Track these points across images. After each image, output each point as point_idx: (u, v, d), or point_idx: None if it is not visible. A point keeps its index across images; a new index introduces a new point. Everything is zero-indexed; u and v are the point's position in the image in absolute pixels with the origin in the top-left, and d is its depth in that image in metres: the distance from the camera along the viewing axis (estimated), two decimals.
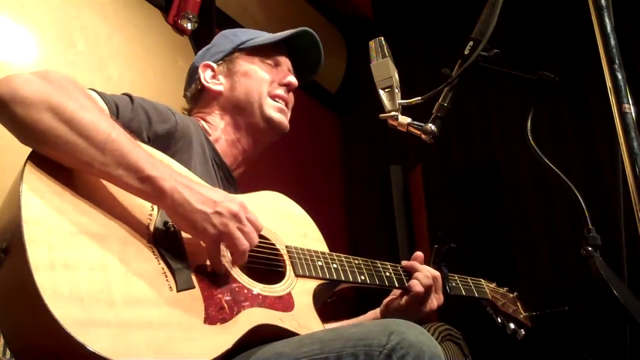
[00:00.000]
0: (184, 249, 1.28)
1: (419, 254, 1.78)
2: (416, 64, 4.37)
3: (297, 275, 1.46)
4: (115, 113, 1.38)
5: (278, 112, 1.74)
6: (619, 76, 1.13)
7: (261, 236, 1.37)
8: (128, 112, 1.42)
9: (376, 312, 1.78)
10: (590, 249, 1.20)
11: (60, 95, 1.19)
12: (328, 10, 4.73)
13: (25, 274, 1.04)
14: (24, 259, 1.05)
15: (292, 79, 1.78)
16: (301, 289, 1.44)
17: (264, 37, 1.82)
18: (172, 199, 1.23)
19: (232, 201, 1.29)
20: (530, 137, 1.36)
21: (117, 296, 1.11)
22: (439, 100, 1.43)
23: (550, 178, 3.64)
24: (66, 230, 1.13)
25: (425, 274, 1.70)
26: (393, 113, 1.40)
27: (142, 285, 1.16)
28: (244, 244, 1.28)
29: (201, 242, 1.29)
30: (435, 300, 1.71)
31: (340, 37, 4.92)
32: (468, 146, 4.46)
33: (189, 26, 3.29)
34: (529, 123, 1.38)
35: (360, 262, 1.63)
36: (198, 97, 1.80)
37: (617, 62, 1.13)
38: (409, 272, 1.73)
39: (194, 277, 1.25)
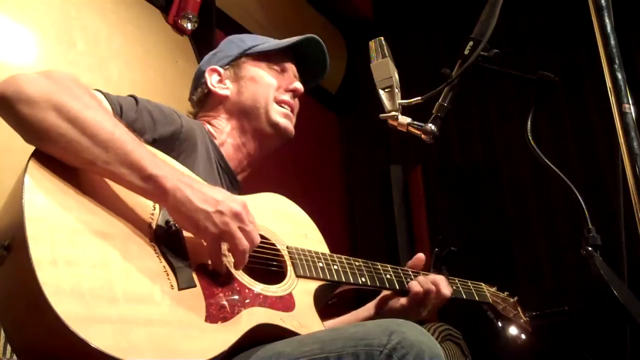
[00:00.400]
0: (185, 247, 1.29)
1: (420, 256, 1.79)
2: (416, 64, 4.37)
3: (298, 276, 1.47)
4: (119, 113, 1.39)
5: (284, 118, 1.75)
6: (619, 76, 1.13)
7: (262, 237, 1.37)
8: (132, 113, 1.43)
9: (369, 308, 1.78)
10: (590, 249, 1.20)
11: (65, 94, 1.20)
12: (328, 11, 4.73)
13: (28, 271, 1.04)
14: (27, 256, 1.05)
15: (299, 85, 1.79)
16: (302, 290, 1.45)
17: (270, 42, 1.83)
18: (174, 198, 1.23)
19: (234, 201, 1.29)
20: (530, 137, 1.36)
21: (118, 293, 1.12)
22: (439, 100, 1.43)
23: (550, 178, 3.64)
24: (68, 228, 1.14)
25: (425, 277, 1.72)
26: (393, 113, 1.40)
27: (144, 283, 1.16)
28: (245, 244, 1.29)
29: (202, 241, 1.29)
30: (433, 305, 1.72)
31: (341, 37, 4.92)
32: (468, 146, 4.47)
33: (189, 26, 3.29)
34: (529, 123, 1.38)
35: (361, 263, 1.63)
36: (204, 101, 1.80)
37: (617, 62, 1.13)
38: (410, 274, 1.73)
39: (195, 276, 1.25)
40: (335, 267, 1.55)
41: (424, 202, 3.89)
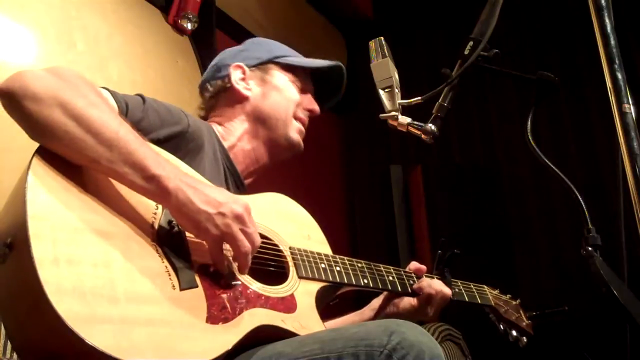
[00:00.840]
0: (187, 248, 1.29)
1: (423, 267, 1.79)
2: (416, 64, 4.37)
3: (300, 277, 1.46)
4: (125, 112, 1.38)
5: (298, 134, 1.77)
6: (619, 76, 1.12)
7: (265, 237, 1.37)
8: (139, 112, 1.42)
9: (374, 307, 1.78)
10: (590, 249, 1.20)
11: (71, 91, 1.20)
12: (328, 11, 4.73)
13: (29, 269, 1.04)
14: (28, 254, 1.05)
15: (317, 108, 1.81)
16: (304, 291, 1.44)
17: (298, 58, 1.83)
18: (176, 199, 1.23)
19: (236, 202, 1.29)
20: (530, 137, 1.36)
21: (120, 293, 1.11)
22: (439, 100, 1.43)
23: (550, 178, 3.64)
24: (71, 226, 1.14)
25: (429, 282, 1.72)
26: (393, 113, 1.40)
27: (145, 283, 1.16)
28: (246, 246, 1.28)
29: (204, 242, 1.29)
30: (431, 312, 1.73)
31: (341, 37, 4.92)
32: (468, 146, 4.47)
33: (189, 26, 3.29)
34: (529, 123, 1.38)
35: (364, 265, 1.63)
36: (220, 95, 1.79)
37: (617, 62, 1.13)
38: (412, 277, 1.73)
39: (197, 277, 1.25)
40: (338, 268, 1.55)
41: (424, 202, 3.88)
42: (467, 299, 1.84)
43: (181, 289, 1.21)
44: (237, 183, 1.69)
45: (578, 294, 3.29)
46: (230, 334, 1.22)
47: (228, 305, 1.26)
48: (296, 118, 1.77)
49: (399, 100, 1.41)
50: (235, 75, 1.77)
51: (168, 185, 1.23)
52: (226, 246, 1.29)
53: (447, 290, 1.74)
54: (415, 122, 1.41)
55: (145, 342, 1.09)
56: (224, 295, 1.27)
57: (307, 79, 1.83)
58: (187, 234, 1.30)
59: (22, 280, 1.08)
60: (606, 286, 1.12)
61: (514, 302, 1.98)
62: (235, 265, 1.32)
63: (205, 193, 1.26)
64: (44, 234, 1.09)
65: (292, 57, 1.82)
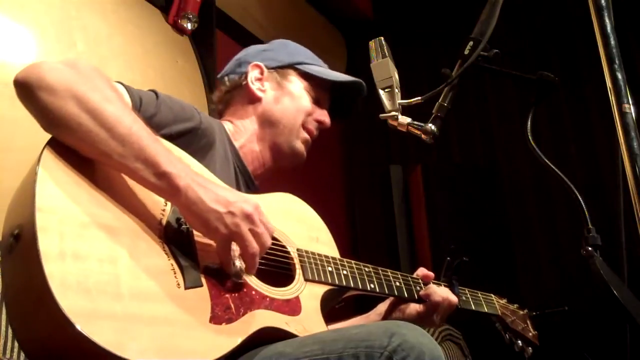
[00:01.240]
0: (194, 246, 1.28)
1: (430, 274, 1.78)
2: (416, 64, 4.37)
3: (306, 280, 1.45)
4: (138, 107, 1.39)
5: (303, 144, 1.76)
6: (619, 76, 1.12)
7: (272, 238, 1.37)
8: (152, 108, 1.42)
9: (380, 312, 1.77)
10: (590, 249, 1.20)
11: (86, 85, 1.20)
12: (328, 11, 4.73)
13: (35, 262, 1.04)
14: (35, 247, 1.05)
15: (327, 120, 1.79)
16: (309, 294, 1.44)
17: (319, 68, 1.81)
18: (186, 197, 1.23)
19: (246, 202, 1.28)
20: (530, 137, 1.36)
21: (124, 289, 1.11)
22: (439, 100, 1.43)
23: (550, 178, 3.65)
24: (78, 221, 1.13)
25: (436, 289, 1.72)
26: (393, 113, 1.40)
27: (150, 281, 1.16)
28: (255, 247, 1.28)
29: (212, 242, 1.29)
30: (437, 319, 1.73)
31: (340, 37, 4.92)
32: (468, 146, 4.46)
33: (189, 26, 3.29)
34: (529, 123, 1.38)
35: (371, 269, 1.62)
36: (235, 91, 1.78)
37: (617, 62, 1.13)
38: (420, 282, 1.73)
39: (202, 276, 1.25)
40: (345, 272, 1.54)
41: (424, 202, 3.88)
42: (473, 307, 1.83)
43: (186, 288, 1.20)
44: (248, 182, 1.68)
45: (578, 294, 3.29)
46: (234, 335, 1.21)
47: (232, 305, 1.25)
48: (304, 128, 1.75)
49: (399, 100, 1.41)
50: (252, 75, 1.76)
51: (179, 183, 1.22)
52: (234, 246, 1.29)
53: (454, 298, 1.74)
54: (415, 122, 1.41)
55: (148, 340, 1.09)
56: (229, 296, 1.27)
57: (324, 89, 1.81)
58: (195, 232, 1.29)
59: (28, 272, 1.07)
60: (606, 286, 1.12)
61: (521, 312, 1.97)
62: (242, 266, 1.31)
63: (215, 192, 1.26)
64: (51, 227, 1.09)
65: (313, 65, 1.80)
